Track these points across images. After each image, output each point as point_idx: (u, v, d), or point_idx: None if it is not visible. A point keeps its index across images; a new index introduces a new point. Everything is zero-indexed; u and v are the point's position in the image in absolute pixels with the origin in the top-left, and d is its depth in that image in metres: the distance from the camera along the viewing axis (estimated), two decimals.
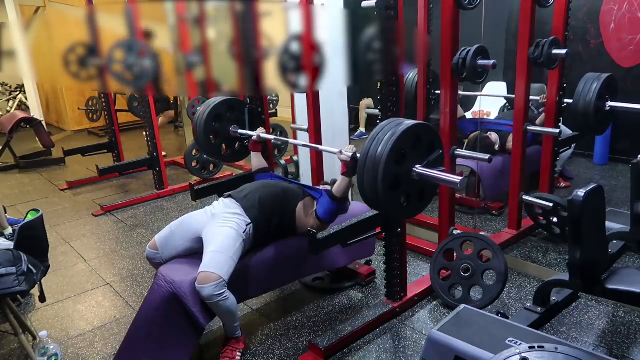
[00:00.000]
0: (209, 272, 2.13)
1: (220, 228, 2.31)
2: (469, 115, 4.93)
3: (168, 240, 2.41)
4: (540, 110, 3.95)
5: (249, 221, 2.38)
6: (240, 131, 3.08)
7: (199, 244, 2.34)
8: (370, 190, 1.83)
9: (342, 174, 2.41)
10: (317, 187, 2.64)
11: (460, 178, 1.85)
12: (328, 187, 2.67)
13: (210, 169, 4.99)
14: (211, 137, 3.08)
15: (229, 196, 2.52)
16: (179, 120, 7.60)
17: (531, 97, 3.31)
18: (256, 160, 2.95)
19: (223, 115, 3.07)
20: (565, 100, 3.41)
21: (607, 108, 3.09)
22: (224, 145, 3.17)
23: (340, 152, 2.34)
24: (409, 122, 1.85)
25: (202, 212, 2.48)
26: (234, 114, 3.11)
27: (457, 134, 2.90)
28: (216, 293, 2.12)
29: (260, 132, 2.94)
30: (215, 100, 3.06)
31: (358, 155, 2.25)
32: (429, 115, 3.27)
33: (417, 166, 1.88)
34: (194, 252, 2.37)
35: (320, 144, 3.22)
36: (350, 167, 2.31)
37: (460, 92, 4.29)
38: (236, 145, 3.21)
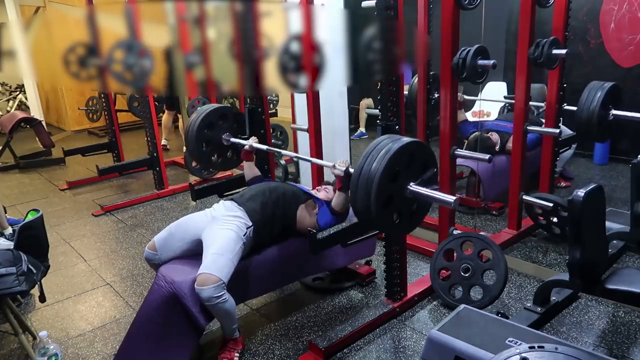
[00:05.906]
0: (208, 274, 2.12)
1: (220, 230, 2.31)
2: (469, 115, 4.94)
3: (167, 242, 2.40)
4: (540, 110, 3.95)
5: (250, 224, 2.38)
6: (232, 140, 3.01)
7: (198, 246, 2.33)
8: (363, 207, 1.79)
9: (338, 189, 2.43)
10: (317, 196, 2.62)
11: (455, 198, 1.83)
12: (330, 187, 2.67)
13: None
14: (202, 145, 3.00)
15: (230, 199, 2.51)
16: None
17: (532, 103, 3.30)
18: (249, 170, 2.90)
19: (215, 123, 2.99)
20: (566, 107, 3.41)
21: (611, 117, 3.09)
22: (215, 153, 3.09)
23: (334, 167, 2.34)
24: (403, 140, 1.81)
25: (201, 214, 2.47)
26: (226, 122, 3.03)
27: (458, 135, 2.90)
28: (215, 295, 2.11)
29: (252, 142, 2.87)
30: (208, 107, 2.99)
31: (351, 169, 2.25)
32: (429, 116, 3.27)
33: (412, 184, 1.84)
34: (193, 254, 2.37)
35: (320, 144, 3.22)
36: (345, 182, 2.30)
37: (466, 97, 4.31)
38: (228, 153, 3.13)
